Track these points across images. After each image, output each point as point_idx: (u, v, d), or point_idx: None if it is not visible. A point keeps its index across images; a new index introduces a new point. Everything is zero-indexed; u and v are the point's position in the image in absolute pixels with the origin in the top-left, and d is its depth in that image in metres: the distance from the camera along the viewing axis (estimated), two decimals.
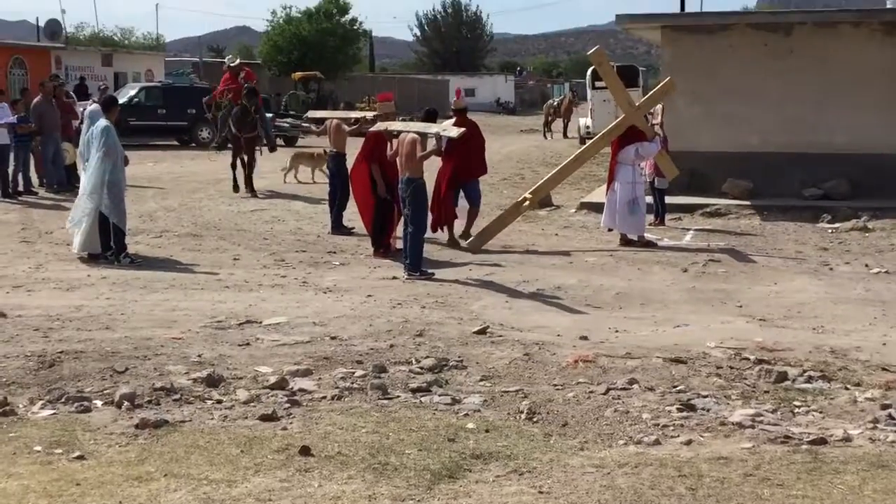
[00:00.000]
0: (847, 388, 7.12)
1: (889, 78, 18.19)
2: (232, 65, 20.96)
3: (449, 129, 12.09)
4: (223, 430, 6.06)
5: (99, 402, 6.56)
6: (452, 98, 15.57)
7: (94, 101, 14.65)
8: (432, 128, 12.14)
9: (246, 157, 18.65)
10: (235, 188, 18.76)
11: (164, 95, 32.41)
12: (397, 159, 12.04)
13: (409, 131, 11.96)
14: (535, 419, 6.33)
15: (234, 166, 18.75)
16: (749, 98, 18.57)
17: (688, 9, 42.36)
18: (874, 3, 24.60)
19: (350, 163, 14.10)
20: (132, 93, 32.30)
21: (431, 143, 12.25)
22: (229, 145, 19.41)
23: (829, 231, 15.43)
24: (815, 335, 8.91)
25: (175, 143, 31.68)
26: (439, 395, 6.79)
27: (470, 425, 6.15)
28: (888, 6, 20.60)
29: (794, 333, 8.95)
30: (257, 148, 19.13)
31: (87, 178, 12.10)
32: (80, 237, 12.19)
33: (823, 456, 5.68)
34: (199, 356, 7.74)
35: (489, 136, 16.37)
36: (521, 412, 6.42)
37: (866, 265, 12.63)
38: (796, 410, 6.60)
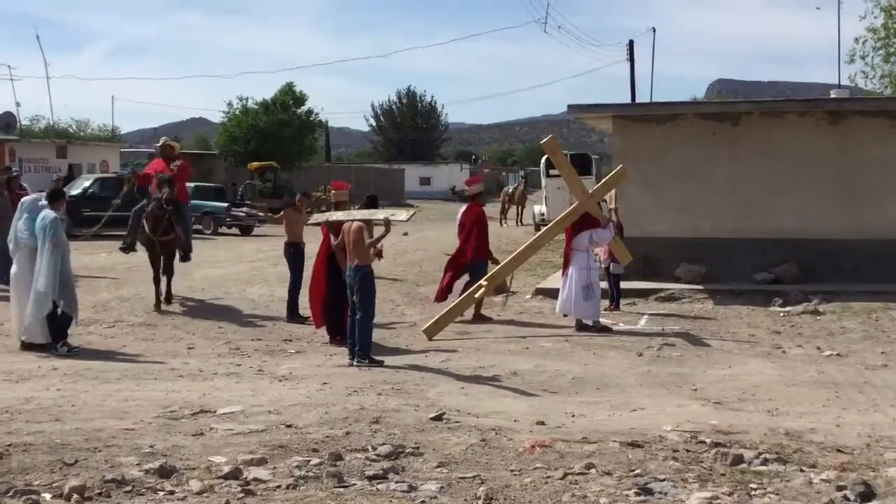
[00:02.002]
0: (802, 470, 7.14)
1: (835, 164, 18.66)
2: (166, 144, 17.07)
3: (397, 213, 12.15)
4: None
5: (48, 496, 6.41)
6: (460, 184, 17.43)
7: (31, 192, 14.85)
8: (379, 213, 12.17)
9: (164, 263, 15.63)
10: (158, 306, 15.30)
11: (119, 186, 32.32)
12: (344, 248, 12.03)
13: (353, 220, 11.96)
14: None
15: (156, 280, 15.48)
16: (700, 185, 18.93)
17: (638, 99, 43.37)
18: (818, 94, 25.25)
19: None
20: (87, 184, 32.22)
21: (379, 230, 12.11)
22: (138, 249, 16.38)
23: (781, 314, 15.62)
24: (769, 417, 8.96)
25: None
26: (396, 483, 6.71)
27: None
28: (832, 96, 21.15)
29: (748, 416, 8.99)
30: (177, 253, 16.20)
31: (37, 271, 11.98)
32: (25, 322, 12.06)
33: None
34: (152, 447, 7.60)
35: (445, 225, 16.52)
36: (479, 498, 6.36)
37: (818, 348, 12.78)
38: (753, 493, 6.59)
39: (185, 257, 16.44)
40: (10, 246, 12.69)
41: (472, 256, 15.49)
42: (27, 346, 12.02)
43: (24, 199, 13.08)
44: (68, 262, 12.18)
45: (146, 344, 12.78)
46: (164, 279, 15.68)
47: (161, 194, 15.01)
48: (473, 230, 15.57)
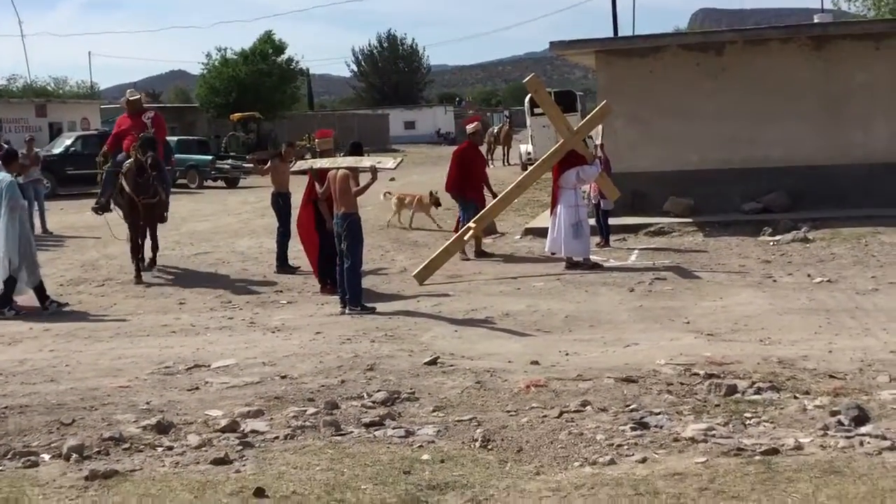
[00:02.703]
0: (796, 398, 7.18)
1: (819, 90, 18.58)
2: (132, 98, 15.39)
3: (384, 160, 12.09)
4: (175, 476, 5.95)
5: (46, 456, 6.42)
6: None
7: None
8: (364, 161, 12.08)
9: (147, 230, 14.53)
10: (139, 278, 14.07)
11: (101, 143, 32.01)
12: (330, 197, 11.99)
13: (339, 167, 11.90)
14: (489, 447, 6.30)
15: (135, 250, 14.35)
16: (685, 117, 18.85)
17: (621, 32, 43.06)
18: (802, 20, 25.09)
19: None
20: (68, 142, 31.96)
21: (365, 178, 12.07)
22: (114, 210, 15.03)
23: (771, 244, 15.65)
24: (762, 347, 9.01)
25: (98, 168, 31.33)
26: (393, 429, 6.74)
27: (425, 456, 6.11)
28: (815, 21, 21.02)
29: (741, 346, 9.03)
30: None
31: None
32: None
33: (776, 465, 5.72)
34: (148, 403, 7.62)
35: (431, 168, 16.54)
36: (476, 440, 6.39)
37: (808, 275, 12.82)
38: (747, 422, 6.64)
39: (163, 218, 15.12)
40: None
41: (446, 187, 16.51)
42: None
43: None
44: (26, 225, 12.19)
45: (137, 301, 12.76)
46: (146, 246, 14.69)
47: (145, 157, 13.70)
48: (451, 164, 16.24)
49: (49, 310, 11.84)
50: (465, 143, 16.88)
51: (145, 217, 14.29)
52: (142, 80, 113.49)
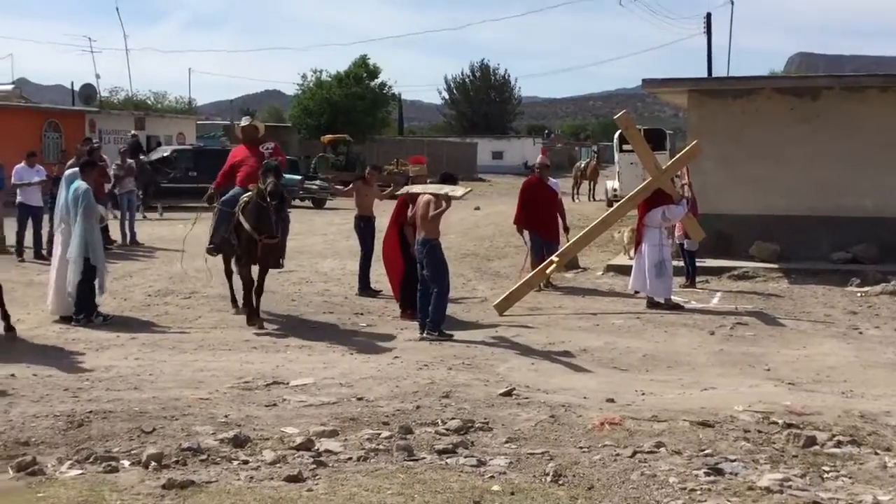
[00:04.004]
0: (877, 454, 7.04)
1: None
2: (245, 125, 13.73)
3: (455, 189, 12.18)
4: (249, 490, 6.06)
5: (126, 462, 6.59)
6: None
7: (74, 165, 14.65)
8: (443, 188, 12.25)
9: (260, 273, 12.50)
10: (237, 304, 13.15)
11: (196, 157, 32.87)
12: (414, 223, 12.19)
13: (426, 193, 12.10)
14: (560, 482, 6.30)
15: (248, 286, 12.49)
16: (776, 161, 18.61)
17: (715, 73, 42.73)
18: None
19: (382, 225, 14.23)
20: (164, 155, 32.76)
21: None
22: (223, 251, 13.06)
23: (858, 295, 15.35)
24: (844, 399, 8.84)
25: (206, 204, 32.01)
26: (465, 457, 6.77)
27: (495, 487, 6.13)
28: None
29: (823, 397, 8.88)
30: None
31: (72, 241, 12.18)
32: (54, 297, 12.35)
33: None
34: (226, 417, 7.77)
35: (516, 199, 16.49)
36: (547, 474, 6.38)
37: (895, 329, 12.54)
38: (825, 475, 6.53)
39: (279, 263, 13.00)
40: (55, 220, 12.96)
41: (514, 221, 16.54)
42: (61, 320, 12.21)
43: (66, 173, 13.26)
44: (97, 232, 12.47)
45: (221, 315, 12.99)
46: (250, 291, 12.51)
47: (266, 184, 11.76)
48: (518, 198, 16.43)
49: (95, 322, 12.07)
50: (531, 177, 16.93)
51: (262, 259, 12.37)
52: (238, 98, 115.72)
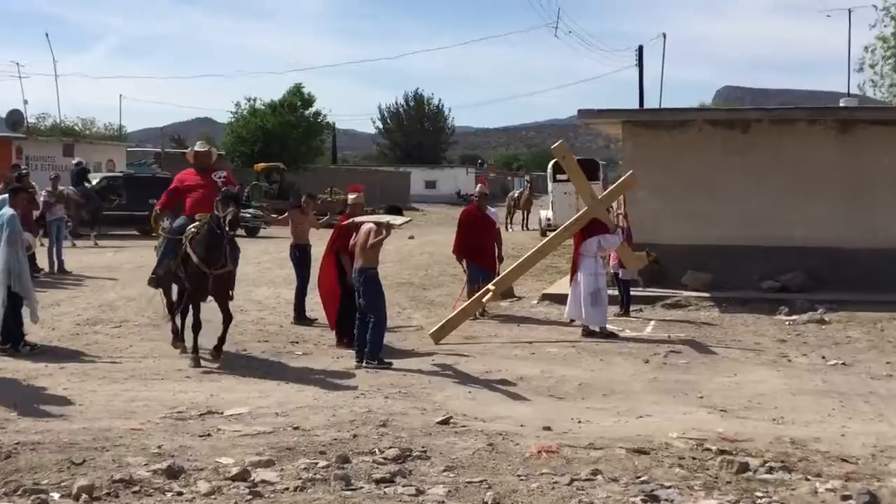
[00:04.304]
0: (808, 479, 7.14)
1: (843, 173, 18.66)
2: (201, 150, 12.81)
3: (395, 218, 12.23)
4: None
5: (56, 495, 6.43)
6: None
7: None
8: (383, 217, 12.29)
9: (219, 305, 11.82)
10: (178, 338, 12.44)
11: (126, 185, 32.49)
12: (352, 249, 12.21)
13: (368, 222, 12.13)
14: None
15: (182, 312, 12.29)
16: (709, 192, 18.93)
17: (646, 104, 43.37)
18: (825, 103, 25.23)
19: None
20: (93, 183, 32.29)
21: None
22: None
23: (787, 323, 15.62)
24: (775, 426, 8.97)
25: (136, 232, 31.61)
26: (403, 486, 6.73)
27: None
28: (841, 104, 21.16)
29: (754, 424, 9.00)
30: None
31: None
32: None
33: None
34: (160, 447, 7.63)
35: (451, 227, 16.58)
36: (486, 503, 6.38)
37: (823, 357, 12.78)
38: (758, 501, 6.60)
39: (230, 295, 12.14)
40: None
41: (452, 250, 16.91)
42: None
43: None
44: (24, 261, 11.97)
45: (153, 344, 12.80)
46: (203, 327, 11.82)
47: (226, 213, 11.12)
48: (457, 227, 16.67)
49: (22, 352, 11.80)
50: (469, 206, 17.09)
51: (215, 291, 11.74)
52: (169, 125, 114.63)
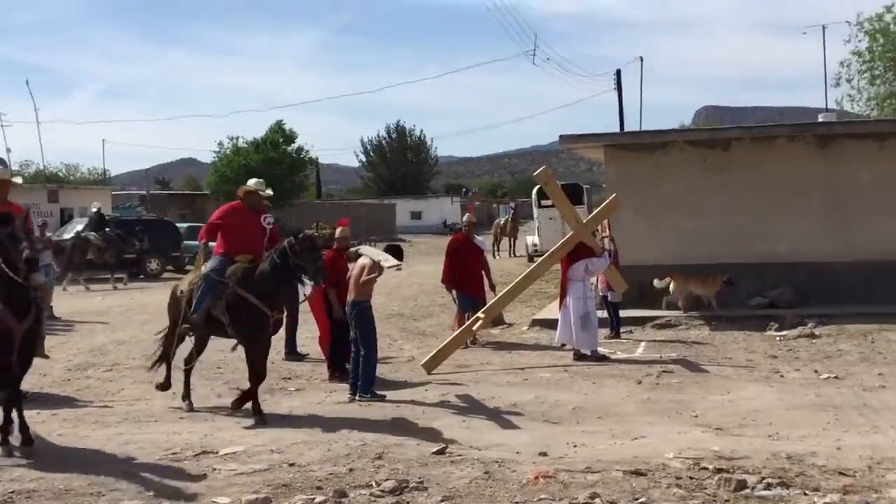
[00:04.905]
0: (806, 494, 7.17)
1: (825, 188, 18.79)
2: (254, 190, 11.58)
3: (387, 259, 12.22)
4: None
5: None
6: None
7: None
8: (378, 255, 12.33)
9: (260, 354, 10.86)
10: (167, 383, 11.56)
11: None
12: (338, 282, 12.28)
13: (366, 256, 12.22)
14: None
15: (169, 358, 11.59)
16: (692, 211, 19.03)
17: (627, 127, 43.62)
18: (804, 118, 25.43)
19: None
20: (79, 227, 32.22)
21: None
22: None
23: (778, 339, 15.66)
24: (770, 442, 8.99)
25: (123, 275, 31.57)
26: None
27: None
28: (820, 120, 21.33)
29: (749, 441, 9.01)
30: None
31: None
32: None
33: None
34: (155, 490, 7.61)
35: (437, 258, 16.61)
36: None
37: (815, 371, 12.82)
38: None
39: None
40: None
41: (441, 280, 16.79)
42: None
43: None
44: None
45: (145, 386, 12.73)
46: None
47: (314, 261, 10.39)
48: (445, 256, 16.62)
49: None
50: (458, 235, 17.11)
51: (265, 339, 10.87)
52: (153, 167, 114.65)
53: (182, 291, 11.27)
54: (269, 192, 12.02)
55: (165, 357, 11.62)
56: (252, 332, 10.62)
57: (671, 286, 18.02)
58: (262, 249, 10.96)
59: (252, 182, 11.75)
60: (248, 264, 10.73)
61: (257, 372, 10.76)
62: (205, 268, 11.12)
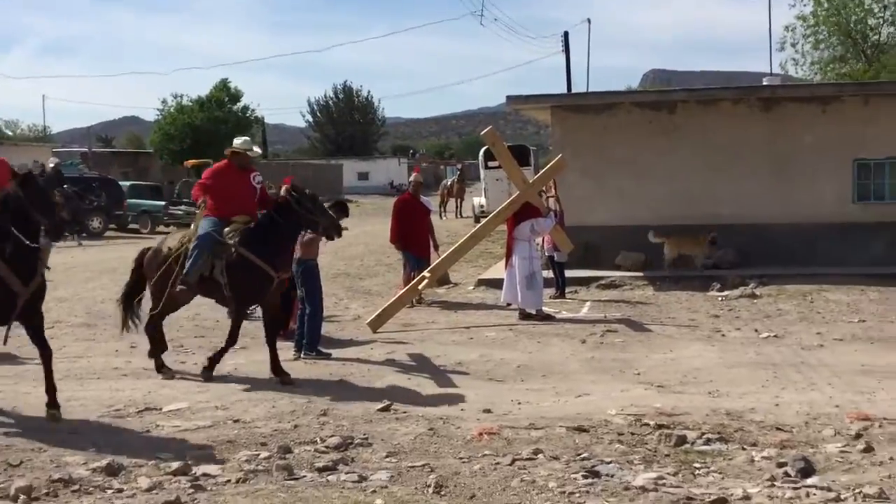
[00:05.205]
0: (744, 449, 7.30)
1: (768, 151, 19.01)
2: (242, 150, 10.99)
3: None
4: None
5: None
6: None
7: None
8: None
9: (273, 313, 10.73)
10: (167, 370, 10.69)
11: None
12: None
13: None
14: (442, 493, 6.33)
15: (159, 321, 11.03)
16: (638, 173, 19.15)
17: (574, 89, 43.68)
18: (750, 83, 25.67)
19: None
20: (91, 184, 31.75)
21: None
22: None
23: (720, 299, 15.88)
24: (711, 399, 9.13)
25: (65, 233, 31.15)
26: (346, 474, 6.74)
27: (378, 501, 6.12)
28: (764, 83, 21.53)
29: (691, 398, 9.15)
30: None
31: None
32: None
33: None
34: (98, 446, 7.55)
35: (385, 218, 16.57)
36: (429, 486, 6.41)
37: (756, 330, 13.02)
38: (697, 472, 6.73)
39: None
40: None
41: (390, 239, 16.65)
42: None
43: None
44: None
45: (87, 344, 12.63)
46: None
47: (337, 223, 10.72)
48: (392, 216, 16.52)
49: None
50: (404, 195, 17.09)
51: (272, 296, 10.57)
52: (95, 125, 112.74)
53: (170, 249, 10.71)
54: (258, 150, 11.58)
55: (156, 322, 10.99)
56: (252, 294, 10.41)
57: (665, 247, 18.28)
58: (254, 209, 10.69)
59: (238, 141, 11.24)
60: (246, 224, 10.39)
61: (272, 320, 10.60)
62: (200, 228, 10.53)
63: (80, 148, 60.15)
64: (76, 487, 6.49)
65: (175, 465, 6.89)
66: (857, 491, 6.13)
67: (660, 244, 18.39)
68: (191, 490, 6.42)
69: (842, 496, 6.09)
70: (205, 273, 10.31)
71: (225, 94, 55.37)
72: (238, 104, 56.04)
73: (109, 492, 6.45)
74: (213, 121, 53.11)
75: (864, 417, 8.11)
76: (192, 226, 10.90)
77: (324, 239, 11.14)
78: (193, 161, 45.55)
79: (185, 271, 10.36)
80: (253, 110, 57.87)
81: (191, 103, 54.82)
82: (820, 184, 18.88)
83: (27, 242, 8.35)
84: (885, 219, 18.71)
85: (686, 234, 18.31)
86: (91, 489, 6.49)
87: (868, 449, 7.15)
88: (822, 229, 18.43)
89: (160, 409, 8.86)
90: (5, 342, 8.81)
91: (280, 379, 10.15)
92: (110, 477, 6.73)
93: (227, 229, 10.41)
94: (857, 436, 7.53)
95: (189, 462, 6.97)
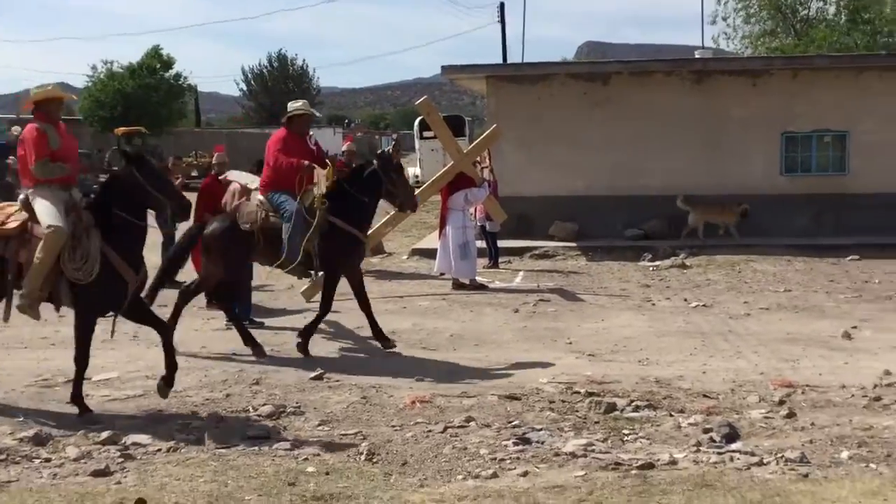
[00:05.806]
0: (671, 415, 7.43)
1: (699, 123, 19.25)
2: (301, 113, 10.66)
3: (254, 180, 12.05)
4: (53, 487, 5.86)
5: None
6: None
7: None
8: (246, 178, 12.23)
9: (357, 278, 10.74)
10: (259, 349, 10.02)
11: None
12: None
13: (235, 181, 12.06)
14: (374, 460, 6.37)
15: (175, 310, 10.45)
16: (572, 144, 19.28)
17: (510, 61, 43.69)
18: (684, 54, 25.90)
19: None
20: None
21: None
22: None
23: (651, 269, 16.09)
24: (640, 367, 9.27)
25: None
26: (278, 442, 6.74)
27: (310, 469, 6.14)
28: (696, 56, 21.75)
29: (621, 366, 9.28)
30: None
31: None
32: None
33: (651, 479, 5.91)
34: (25, 415, 7.46)
35: None
36: (361, 454, 6.44)
37: (685, 300, 13.22)
38: (625, 438, 6.84)
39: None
40: None
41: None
42: None
43: None
44: None
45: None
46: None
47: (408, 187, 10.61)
48: None
49: None
50: (338, 164, 16.86)
51: (356, 265, 10.72)
52: (23, 91, 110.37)
53: (248, 225, 10.19)
54: (307, 110, 10.85)
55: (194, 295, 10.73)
56: (348, 261, 10.31)
57: (691, 215, 18.45)
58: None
59: (296, 104, 10.73)
60: (327, 191, 10.06)
61: (361, 287, 10.54)
62: (281, 202, 10.09)
63: (8, 114, 58.85)
64: (3, 457, 6.42)
65: (104, 434, 6.84)
66: (779, 455, 6.28)
67: (685, 211, 18.58)
68: (120, 459, 6.38)
69: (764, 460, 6.24)
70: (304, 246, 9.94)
71: (157, 62, 54.39)
72: (170, 71, 55.12)
73: (37, 461, 6.38)
74: (144, 88, 52.19)
75: (787, 384, 8.30)
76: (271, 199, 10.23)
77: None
78: (124, 129, 44.86)
79: (284, 247, 9.98)
80: (185, 78, 57.01)
81: (122, 70, 53.83)
82: (749, 156, 19.18)
83: (141, 224, 7.95)
84: (811, 191, 19.08)
85: (715, 204, 18.50)
86: (18, 459, 6.42)
87: (791, 415, 7.32)
88: (751, 201, 18.72)
89: (90, 378, 8.72)
90: (112, 335, 8.39)
91: (383, 345, 10.18)
92: (38, 447, 6.66)
93: (308, 198, 10.07)
94: (781, 402, 7.71)
95: (118, 431, 6.92)
